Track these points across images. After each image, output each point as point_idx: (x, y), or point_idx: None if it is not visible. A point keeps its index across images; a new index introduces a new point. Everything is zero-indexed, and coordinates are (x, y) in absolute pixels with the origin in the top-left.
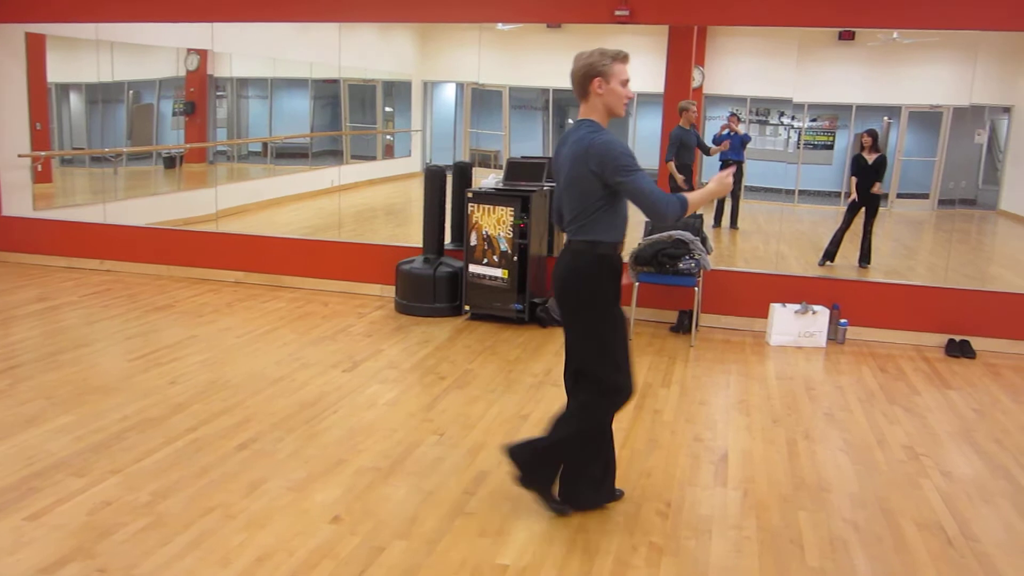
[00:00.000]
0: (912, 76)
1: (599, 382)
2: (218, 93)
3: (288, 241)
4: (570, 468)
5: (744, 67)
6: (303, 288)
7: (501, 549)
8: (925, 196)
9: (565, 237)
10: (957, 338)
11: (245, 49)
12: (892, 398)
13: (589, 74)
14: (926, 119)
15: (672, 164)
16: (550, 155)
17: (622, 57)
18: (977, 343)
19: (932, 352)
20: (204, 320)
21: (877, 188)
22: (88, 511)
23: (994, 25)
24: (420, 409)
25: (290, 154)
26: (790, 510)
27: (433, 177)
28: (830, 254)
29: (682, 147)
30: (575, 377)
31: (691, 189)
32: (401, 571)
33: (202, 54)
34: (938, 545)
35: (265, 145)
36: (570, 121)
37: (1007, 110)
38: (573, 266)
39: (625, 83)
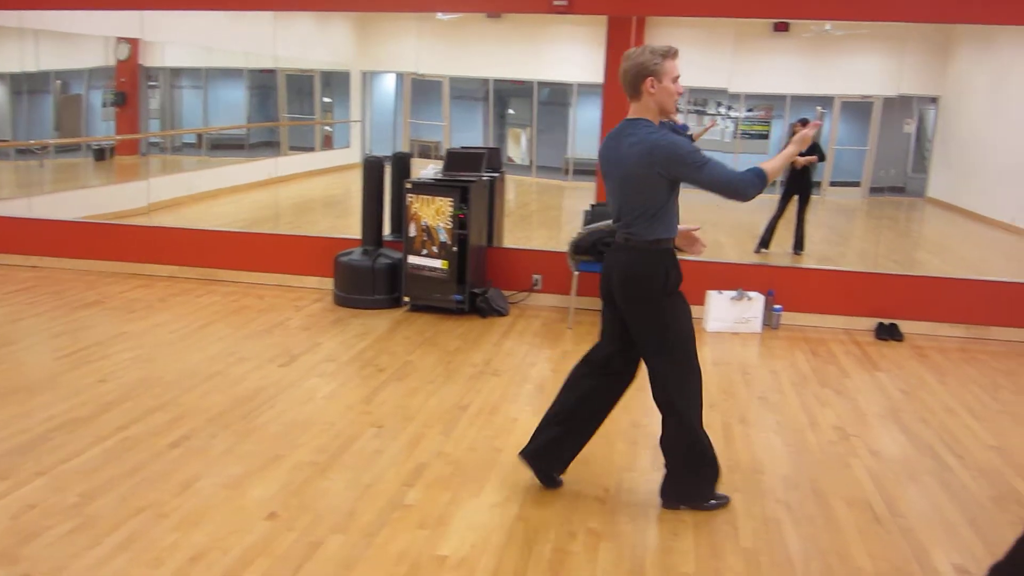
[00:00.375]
0: (844, 67)
1: (678, 373)
2: (150, 83)
3: (223, 234)
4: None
5: (681, 57)
6: (239, 282)
7: (440, 540)
8: (857, 184)
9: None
10: (886, 321)
11: (178, 38)
12: (824, 381)
13: (641, 74)
14: (858, 109)
15: None
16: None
17: (672, 54)
18: (905, 326)
19: (862, 336)
20: (135, 316)
21: (804, 161)
22: (12, 515)
23: (922, 17)
24: (358, 402)
25: (226, 145)
26: (725, 492)
27: (371, 168)
28: (765, 241)
29: None
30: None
31: None
32: (338, 565)
33: (133, 43)
34: (866, 522)
35: (200, 136)
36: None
37: (934, 100)
38: (642, 268)
39: (676, 80)
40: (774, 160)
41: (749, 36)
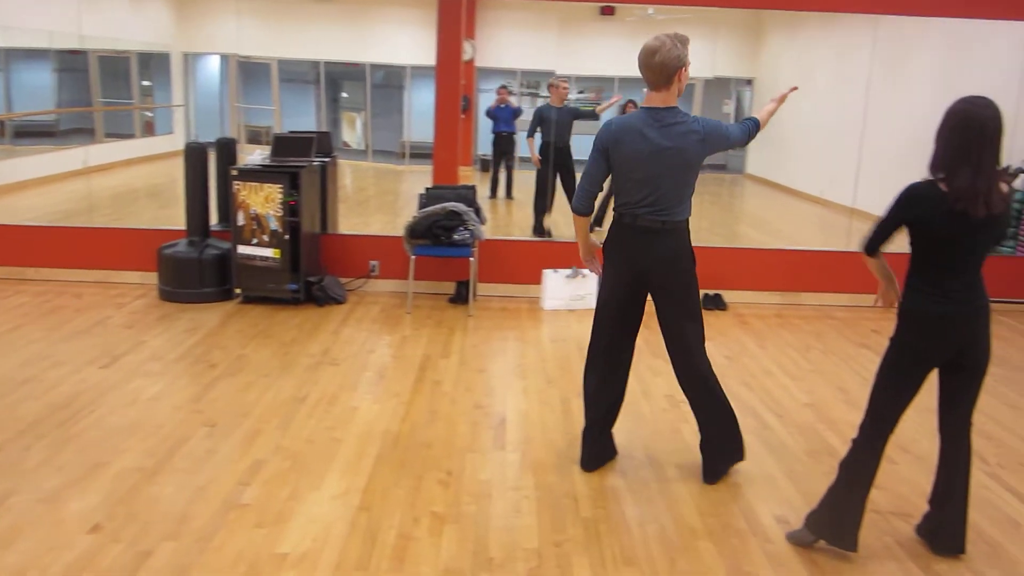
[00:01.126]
0: None
1: (702, 335)
2: None
3: (32, 229)
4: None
5: (512, 40)
6: (52, 280)
7: (279, 538)
8: None
9: (640, 218)
10: (711, 292)
11: None
12: (656, 352)
13: (677, 65)
14: None
15: (532, 140)
16: (324, 129)
17: (689, 42)
18: (728, 296)
19: None
20: None
21: None
22: None
23: (734, 2)
24: (188, 401)
25: (33, 133)
26: (565, 466)
27: (193, 154)
28: (598, 220)
29: (543, 123)
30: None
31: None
32: (171, 574)
33: None
34: (696, 483)
35: (1, 123)
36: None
37: (749, 82)
38: (684, 245)
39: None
40: (763, 113)
41: (576, 20)
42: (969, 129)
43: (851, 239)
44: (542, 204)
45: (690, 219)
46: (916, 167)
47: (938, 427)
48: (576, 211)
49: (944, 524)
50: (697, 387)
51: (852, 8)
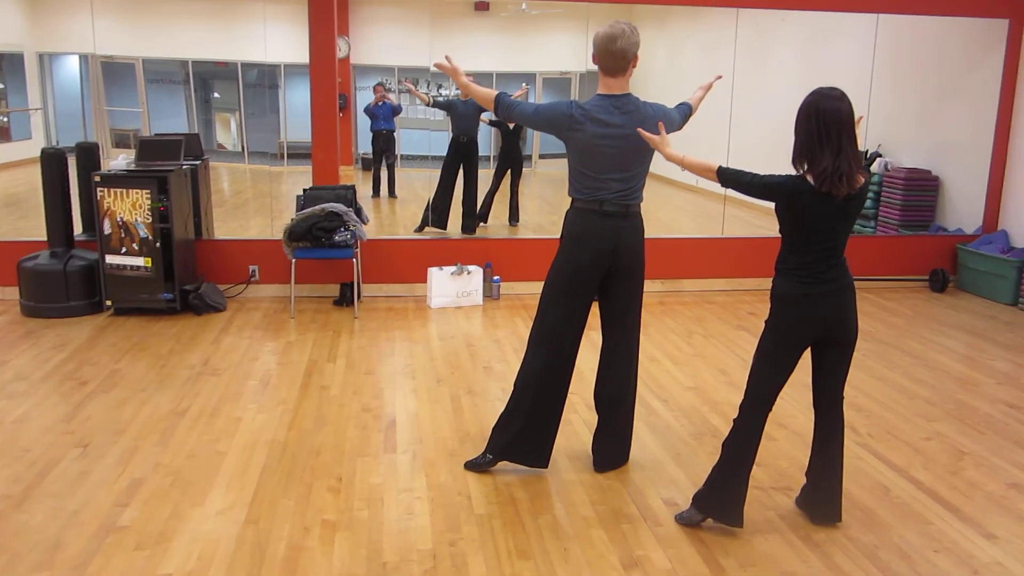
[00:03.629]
0: (541, 45)
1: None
2: None
3: None
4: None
5: (388, 37)
6: None
7: (162, 559)
8: (563, 156)
9: (617, 207)
10: None
11: None
12: None
13: (635, 52)
14: (558, 84)
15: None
16: (195, 131)
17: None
18: None
19: None
20: None
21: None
22: None
23: None
24: (58, 421)
25: None
26: (457, 464)
27: (50, 160)
28: (482, 215)
29: (451, 114)
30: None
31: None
32: None
33: None
34: (587, 471)
35: None
36: (217, 95)
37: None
38: (642, 231)
39: None
40: (694, 99)
41: (448, 15)
42: (820, 116)
43: (725, 226)
44: (444, 201)
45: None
46: (782, 158)
47: (813, 402)
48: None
49: (821, 495)
50: (623, 366)
51: (711, 2)
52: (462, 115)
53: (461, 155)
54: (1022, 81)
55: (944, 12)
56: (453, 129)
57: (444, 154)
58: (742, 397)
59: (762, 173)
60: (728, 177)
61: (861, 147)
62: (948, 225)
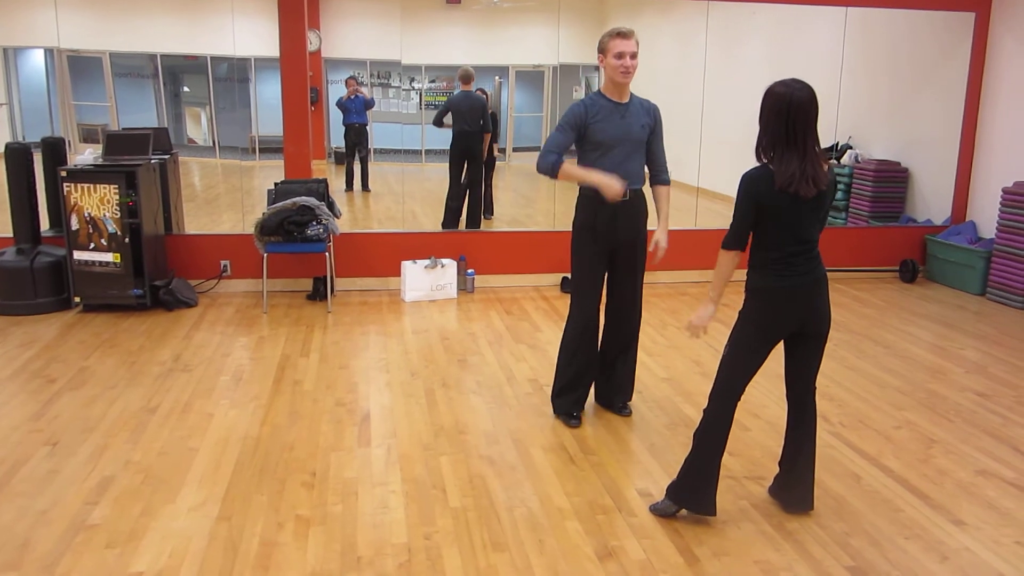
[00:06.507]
0: (513, 38)
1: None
2: None
3: None
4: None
5: (359, 31)
6: None
7: (133, 557)
8: (537, 148)
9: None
10: (569, 275)
11: None
12: (518, 337)
13: (597, 51)
14: (531, 78)
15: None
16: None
17: (618, 33)
18: None
19: (549, 291)
20: None
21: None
22: None
23: None
24: (26, 420)
25: None
26: (432, 457)
27: (14, 156)
28: (488, 209)
29: (453, 112)
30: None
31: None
32: None
33: None
34: (562, 464)
35: None
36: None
37: (597, 68)
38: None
39: (619, 56)
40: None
41: (420, 9)
42: (790, 114)
43: (698, 218)
44: (456, 200)
45: (544, 203)
46: (752, 148)
47: (786, 393)
48: (541, 170)
49: (794, 484)
50: (623, 343)
51: None
52: (464, 112)
53: (464, 151)
54: (989, 74)
55: (911, 5)
56: (459, 124)
57: (416, 148)
58: (712, 387)
59: (733, 213)
60: (731, 241)
61: (832, 140)
62: (918, 216)
